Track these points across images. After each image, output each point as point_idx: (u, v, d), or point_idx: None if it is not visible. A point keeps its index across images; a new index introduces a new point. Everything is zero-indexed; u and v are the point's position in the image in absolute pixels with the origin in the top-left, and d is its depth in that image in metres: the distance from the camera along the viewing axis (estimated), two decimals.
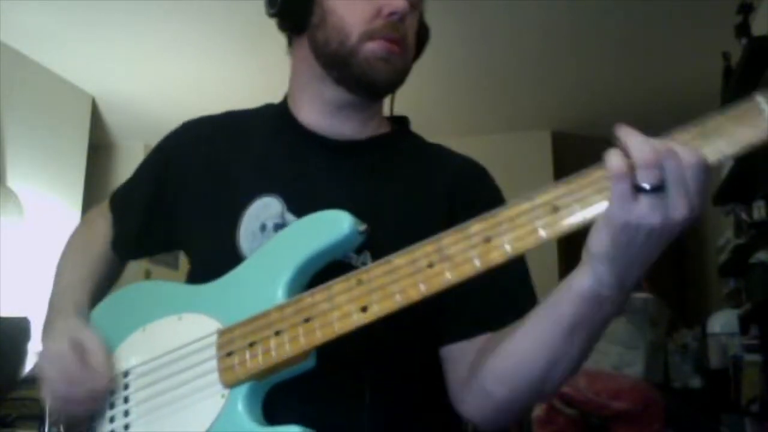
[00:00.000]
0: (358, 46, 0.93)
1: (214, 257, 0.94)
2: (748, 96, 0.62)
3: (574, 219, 0.66)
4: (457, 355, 0.91)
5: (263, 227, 0.93)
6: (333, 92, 0.99)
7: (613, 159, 0.63)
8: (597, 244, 0.66)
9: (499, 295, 0.90)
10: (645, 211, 0.62)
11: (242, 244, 0.93)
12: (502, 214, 0.70)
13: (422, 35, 1.03)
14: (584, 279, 0.69)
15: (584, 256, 0.69)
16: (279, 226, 0.92)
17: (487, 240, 0.70)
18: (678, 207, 0.62)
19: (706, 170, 0.62)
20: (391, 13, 0.93)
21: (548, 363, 0.77)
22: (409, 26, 0.97)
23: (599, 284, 0.68)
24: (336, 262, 0.84)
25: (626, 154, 0.62)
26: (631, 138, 0.63)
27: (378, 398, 0.85)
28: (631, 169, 0.62)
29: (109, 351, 0.92)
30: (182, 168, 1.04)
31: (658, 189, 0.62)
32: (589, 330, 0.74)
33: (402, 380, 0.90)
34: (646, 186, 0.62)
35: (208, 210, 0.99)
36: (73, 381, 0.87)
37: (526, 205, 0.69)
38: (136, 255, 1.16)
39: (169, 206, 1.04)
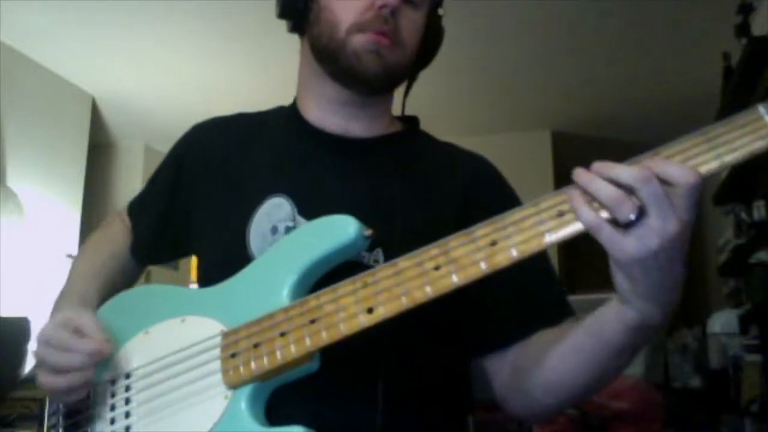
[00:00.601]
0: (346, 39, 0.94)
1: (224, 258, 0.94)
2: (751, 106, 0.64)
3: (579, 224, 0.67)
4: (496, 363, 0.93)
5: (274, 229, 0.93)
6: (331, 89, 0.99)
7: (584, 214, 0.65)
8: (620, 285, 0.68)
9: (529, 303, 0.92)
10: (638, 242, 0.63)
11: (252, 246, 0.93)
12: (509, 218, 0.71)
13: (432, 36, 1.02)
14: (627, 313, 0.70)
15: (617, 293, 0.70)
16: (290, 230, 0.92)
17: (493, 243, 0.71)
18: (668, 224, 0.63)
19: (698, 186, 0.63)
20: (382, 6, 0.92)
21: (597, 378, 0.80)
22: (405, 22, 0.96)
23: (642, 316, 0.69)
24: (348, 260, 0.85)
25: (593, 200, 0.64)
26: (591, 181, 0.65)
27: (391, 400, 0.85)
28: (605, 211, 0.64)
29: (112, 353, 0.91)
30: (195, 172, 1.05)
31: (641, 215, 0.63)
32: (636, 349, 0.76)
33: (414, 381, 0.91)
34: (627, 220, 0.63)
35: (219, 212, 0.99)
36: (69, 363, 0.85)
37: (531, 210, 0.70)
38: (154, 261, 1.16)
39: (184, 211, 1.05)
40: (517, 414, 0.93)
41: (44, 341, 0.88)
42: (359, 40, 0.93)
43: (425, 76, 1.06)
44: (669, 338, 4.25)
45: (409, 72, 1.01)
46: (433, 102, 4.42)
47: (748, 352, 3.22)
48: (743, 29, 3.02)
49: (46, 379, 0.87)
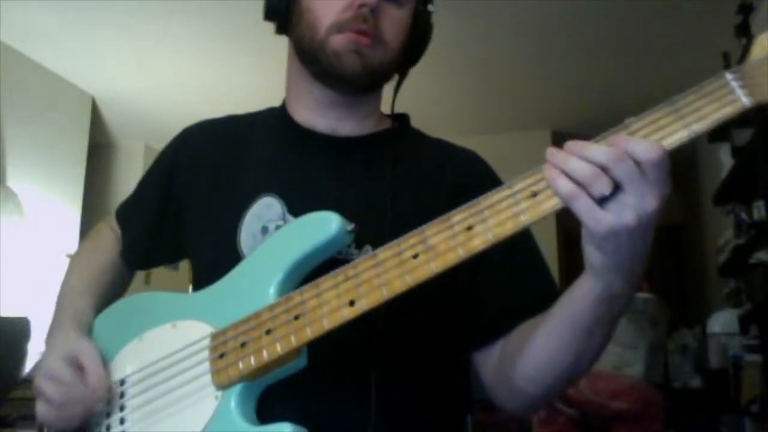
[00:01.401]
0: (326, 39, 0.94)
1: (216, 260, 0.94)
2: (717, 74, 0.64)
3: (552, 202, 0.68)
4: (483, 359, 0.93)
5: (265, 229, 0.93)
6: (317, 90, 0.99)
7: (561, 185, 0.65)
8: (590, 257, 0.69)
9: (509, 296, 0.92)
10: (614, 217, 0.64)
11: (243, 246, 0.94)
12: (483, 202, 0.71)
13: (419, 32, 1.01)
14: (595, 285, 0.71)
15: (587, 266, 0.71)
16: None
17: (470, 228, 0.71)
18: (645, 200, 0.64)
19: (665, 160, 0.63)
20: (361, 5, 0.92)
21: (575, 359, 0.80)
22: (387, 20, 0.95)
23: (609, 287, 0.70)
24: (337, 258, 0.85)
25: (568, 176, 0.65)
26: (565, 160, 0.65)
27: (383, 396, 0.85)
28: (580, 185, 0.64)
29: (107, 362, 0.92)
30: (185, 175, 1.05)
31: (617, 191, 0.64)
32: (608, 324, 0.77)
33: (408, 379, 0.91)
34: (602, 194, 0.64)
35: (210, 214, 0.99)
36: (70, 399, 0.87)
37: (505, 192, 0.70)
38: (146, 265, 1.16)
39: (175, 214, 1.05)
40: (506, 408, 0.93)
41: (48, 375, 0.89)
42: (339, 40, 0.93)
43: (425, 77, 1.06)
44: (669, 338, 4.25)
45: (394, 69, 1.01)
46: (433, 102, 4.43)
47: (748, 352, 3.22)
48: (743, 29, 3.02)
49: (43, 411, 0.89)
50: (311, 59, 0.96)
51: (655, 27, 3.69)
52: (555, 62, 4.12)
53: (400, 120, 1.08)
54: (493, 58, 4.09)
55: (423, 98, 4.01)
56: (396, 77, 1.04)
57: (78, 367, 0.88)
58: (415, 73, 1.06)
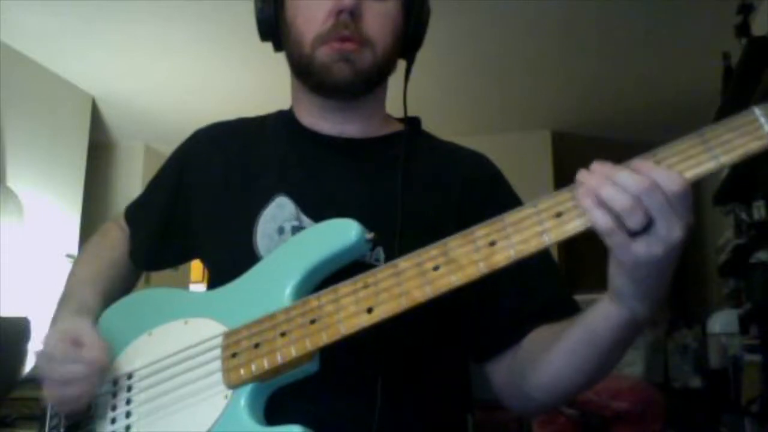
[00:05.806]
0: (313, 53, 0.94)
1: (231, 260, 0.94)
2: (746, 108, 0.65)
3: (576, 225, 0.68)
4: (492, 366, 0.94)
5: (281, 230, 0.94)
6: (316, 98, 1.00)
7: (599, 218, 0.65)
8: (618, 285, 0.70)
9: (520, 307, 0.92)
10: (645, 249, 0.65)
11: (260, 247, 0.94)
12: (507, 219, 0.72)
13: (415, 16, 1.00)
14: (619, 311, 0.72)
15: (611, 291, 0.72)
16: (297, 229, 0.93)
17: (492, 244, 0.71)
18: (673, 232, 0.64)
19: (690, 191, 0.64)
20: (339, 12, 0.92)
21: (590, 376, 0.83)
22: (371, 17, 0.94)
23: (634, 314, 0.72)
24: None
25: (605, 206, 0.65)
26: (602, 188, 0.65)
27: (390, 400, 0.86)
28: (618, 218, 0.65)
29: (115, 355, 0.91)
30: (196, 176, 1.05)
31: (649, 224, 0.64)
32: (626, 345, 0.78)
33: (414, 382, 0.91)
34: (637, 229, 0.64)
35: (224, 215, 0.99)
36: (70, 376, 0.86)
37: (530, 210, 0.71)
38: (154, 267, 1.16)
39: (185, 217, 1.05)
40: (516, 411, 0.95)
41: (45, 356, 0.88)
42: (324, 52, 0.93)
43: (425, 77, 1.06)
44: (669, 338, 4.25)
45: (391, 64, 1.00)
46: (433, 102, 4.43)
47: (748, 352, 3.23)
48: (743, 29, 3.02)
49: (50, 392, 0.87)
50: (303, 74, 0.98)
51: (656, 27, 3.69)
52: (555, 62, 4.13)
53: (412, 123, 1.08)
54: (492, 58, 4.09)
55: (423, 99, 4.00)
56: (394, 75, 1.03)
57: (76, 343, 0.87)
58: (414, 74, 1.05)
